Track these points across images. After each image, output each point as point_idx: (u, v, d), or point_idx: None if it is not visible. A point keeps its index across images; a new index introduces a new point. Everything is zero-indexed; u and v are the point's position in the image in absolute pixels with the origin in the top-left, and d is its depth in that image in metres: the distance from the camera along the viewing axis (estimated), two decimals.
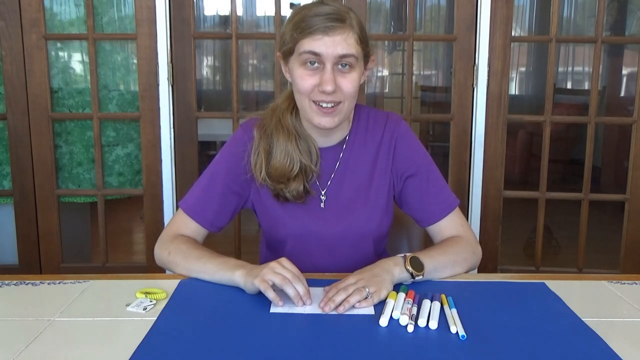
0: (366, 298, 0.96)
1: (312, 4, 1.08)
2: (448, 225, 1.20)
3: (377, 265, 1.05)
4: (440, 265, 1.10)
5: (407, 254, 1.07)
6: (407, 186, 1.20)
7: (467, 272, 1.17)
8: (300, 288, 0.96)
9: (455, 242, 1.17)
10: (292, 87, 1.18)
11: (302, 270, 1.01)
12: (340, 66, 1.06)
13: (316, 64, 1.06)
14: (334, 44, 1.03)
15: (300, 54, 1.05)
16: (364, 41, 1.09)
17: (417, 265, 1.06)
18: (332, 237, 1.18)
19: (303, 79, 1.07)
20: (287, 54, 1.10)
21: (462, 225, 1.21)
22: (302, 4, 1.12)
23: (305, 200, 1.17)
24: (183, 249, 1.13)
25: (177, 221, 1.20)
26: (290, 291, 0.95)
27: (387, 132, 1.20)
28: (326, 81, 1.04)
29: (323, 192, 1.20)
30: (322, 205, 1.19)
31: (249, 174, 1.17)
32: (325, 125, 1.10)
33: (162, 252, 1.16)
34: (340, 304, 0.94)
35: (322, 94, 1.06)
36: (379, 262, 1.07)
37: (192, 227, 1.19)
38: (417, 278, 1.05)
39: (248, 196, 1.22)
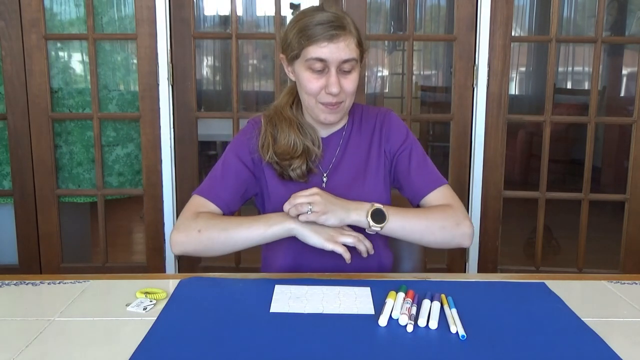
0: (307, 213, 1.07)
1: (312, 10, 1.17)
2: (437, 198, 1.21)
3: (345, 200, 1.13)
4: (410, 226, 1.13)
5: (377, 204, 1.12)
6: (396, 165, 1.27)
7: (448, 247, 1.18)
8: (368, 243, 1.12)
9: (439, 209, 1.18)
10: (292, 84, 1.26)
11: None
12: (342, 69, 1.15)
13: (321, 68, 1.14)
14: (338, 50, 1.13)
15: (307, 59, 1.14)
16: (361, 43, 1.18)
17: (379, 218, 1.11)
18: None
19: (310, 82, 1.16)
20: (293, 58, 1.18)
21: (452, 197, 1.21)
22: (302, 10, 1.19)
23: (308, 179, 1.23)
24: (214, 222, 1.13)
25: (193, 205, 1.20)
26: (362, 247, 1.11)
27: (378, 121, 1.29)
28: (332, 84, 1.14)
29: (325, 174, 1.26)
30: (323, 186, 1.25)
31: (257, 153, 1.23)
32: (331, 121, 1.21)
33: (190, 233, 1.13)
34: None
35: (328, 96, 1.16)
36: (351, 201, 1.14)
37: (210, 209, 1.20)
38: (373, 229, 1.11)
39: (257, 181, 1.26)
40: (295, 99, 1.27)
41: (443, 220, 1.15)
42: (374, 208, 1.11)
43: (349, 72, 1.16)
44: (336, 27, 1.12)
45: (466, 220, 1.17)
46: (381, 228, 1.11)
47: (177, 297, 1.01)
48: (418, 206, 1.25)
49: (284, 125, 1.23)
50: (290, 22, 1.19)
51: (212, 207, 1.20)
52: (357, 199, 1.20)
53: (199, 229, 1.12)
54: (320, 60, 1.13)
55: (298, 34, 1.14)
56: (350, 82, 1.16)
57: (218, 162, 1.26)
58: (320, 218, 1.08)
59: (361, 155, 1.27)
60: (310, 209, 1.07)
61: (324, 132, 1.28)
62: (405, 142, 1.27)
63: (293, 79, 1.23)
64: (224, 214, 1.20)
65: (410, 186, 1.25)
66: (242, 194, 1.25)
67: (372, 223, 1.10)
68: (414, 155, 1.26)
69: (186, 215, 1.17)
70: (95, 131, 2.18)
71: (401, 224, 1.13)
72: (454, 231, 1.15)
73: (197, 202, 1.20)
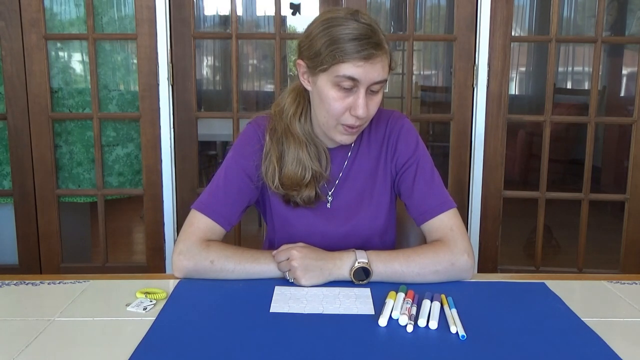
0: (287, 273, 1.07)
1: (343, 17, 1.05)
2: (438, 226, 1.14)
3: (326, 256, 1.07)
4: (397, 276, 1.07)
5: (362, 260, 1.06)
6: (402, 181, 1.20)
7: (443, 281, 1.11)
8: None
9: (432, 250, 1.10)
10: (298, 86, 1.18)
11: None
12: (371, 89, 1.07)
13: (350, 87, 1.06)
14: (373, 71, 1.04)
15: (336, 76, 1.05)
16: (392, 58, 1.09)
17: (362, 276, 1.06)
18: (338, 237, 1.20)
19: (336, 101, 1.07)
20: (320, 70, 1.07)
21: (452, 228, 1.13)
22: (328, 14, 1.07)
23: (315, 204, 1.19)
24: (227, 254, 1.09)
25: (194, 225, 1.14)
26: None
27: (388, 130, 1.22)
28: (360, 106, 1.06)
29: (330, 193, 1.21)
30: (328, 205, 1.21)
31: (261, 181, 1.18)
32: (347, 142, 1.15)
33: (200, 262, 1.09)
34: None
35: (353, 118, 1.08)
36: (339, 254, 1.08)
37: (218, 232, 1.15)
38: (359, 283, 1.07)
39: (260, 193, 1.23)
40: (303, 109, 1.18)
41: (435, 265, 1.07)
42: (357, 266, 1.05)
43: (375, 92, 1.08)
44: (374, 45, 1.03)
45: (464, 255, 1.09)
46: (366, 283, 1.06)
47: (177, 297, 1.01)
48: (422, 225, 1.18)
49: (292, 144, 1.16)
50: (316, 26, 1.07)
51: (214, 225, 1.15)
52: (363, 222, 1.19)
53: (211, 260, 1.08)
54: (352, 79, 1.04)
55: (329, 46, 1.03)
56: (375, 104, 1.09)
57: (220, 173, 1.19)
58: (301, 282, 1.05)
59: (369, 169, 1.22)
60: (288, 277, 1.06)
61: (331, 143, 1.20)
62: (412, 157, 1.19)
63: (309, 88, 1.13)
64: (225, 230, 1.17)
65: (413, 207, 1.18)
66: (244, 208, 1.21)
67: (355, 281, 1.06)
68: (420, 172, 1.18)
69: (191, 239, 1.12)
70: (95, 131, 2.18)
71: (388, 275, 1.07)
72: (449, 272, 1.09)
73: (198, 220, 1.14)
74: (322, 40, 1.05)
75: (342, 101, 1.06)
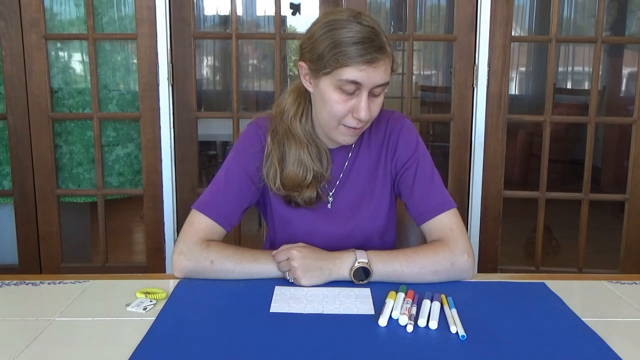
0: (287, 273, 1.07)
1: (345, 20, 1.05)
2: (438, 226, 1.14)
3: (326, 256, 1.08)
4: (397, 276, 1.07)
5: (362, 260, 1.06)
6: (402, 181, 1.20)
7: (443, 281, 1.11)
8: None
9: (432, 250, 1.10)
10: (298, 87, 1.18)
11: None
12: (373, 92, 1.07)
13: (352, 90, 1.06)
14: (375, 75, 1.04)
15: (339, 80, 1.04)
16: (394, 61, 1.09)
17: (362, 276, 1.06)
18: (339, 237, 1.20)
19: (339, 104, 1.07)
20: (323, 73, 1.07)
21: (452, 228, 1.13)
22: (331, 16, 1.07)
23: (316, 204, 1.19)
24: (227, 254, 1.09)
25: (195, 225, 1.14)
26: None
27: (388, 131, 1.22)
28: (363, 110, 1.06)
29: (330, 194, 1.22)
30: (328, 206, 1.21)
31: (262, 182, 1.18)
32: (348, 143, 1.16)
33: (201, 262, 1.08)
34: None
35: (355, 120, 1.08)
36: (339, 254, 1.08)
37: (218, 232, 1.15)
38: (359, 283, 1.07)
39: (260, 194, 1.23)
40: (304, 110, 1.18)
41: (435, 265, 1.07)
42: (357, 265, 1.05)
43: (377, 95, 1.08)
44: (377, 49, 1.02)
45: (464, 255, 1.09)
46: (366, 283, 1.06)
47: (177, 297, 1.01)
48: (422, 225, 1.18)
49: (293, 145, 1.16)
50: (319, 28, 1.07)
51: (214, 226, 1.14)
52: (364, 222, 1.19)
53: (211, 260, 1.08)
54: (355, 83, 1.04)
55: (332, 49, 1.03)
56: (377, 106, 1.09)
57: (220, 173, 1.19)
58: (301, 282, 1.05)
59: (370, 169, 1.22)
60: (288, 277, 1.06)
61: (331, 144, 1.20)
62: (412, 157, 1.19)
63: (311, 90, 1.13)
64: (226, 231, 1.17)
65: (413, 207, 1.18)
66: (245, 208, 1.21)
67: (355, 281, 1.06)
68: (420, 172, 1.18)
69: (192, 239, 1.11)
70: (95, 131, 2.18)
71: (388, 275, 1.07)
72: (449, 272, 1.09)
73: (199, 220, 1.14)
74: (324, 43, 1.04)
75: (344, 104, 1.07)
